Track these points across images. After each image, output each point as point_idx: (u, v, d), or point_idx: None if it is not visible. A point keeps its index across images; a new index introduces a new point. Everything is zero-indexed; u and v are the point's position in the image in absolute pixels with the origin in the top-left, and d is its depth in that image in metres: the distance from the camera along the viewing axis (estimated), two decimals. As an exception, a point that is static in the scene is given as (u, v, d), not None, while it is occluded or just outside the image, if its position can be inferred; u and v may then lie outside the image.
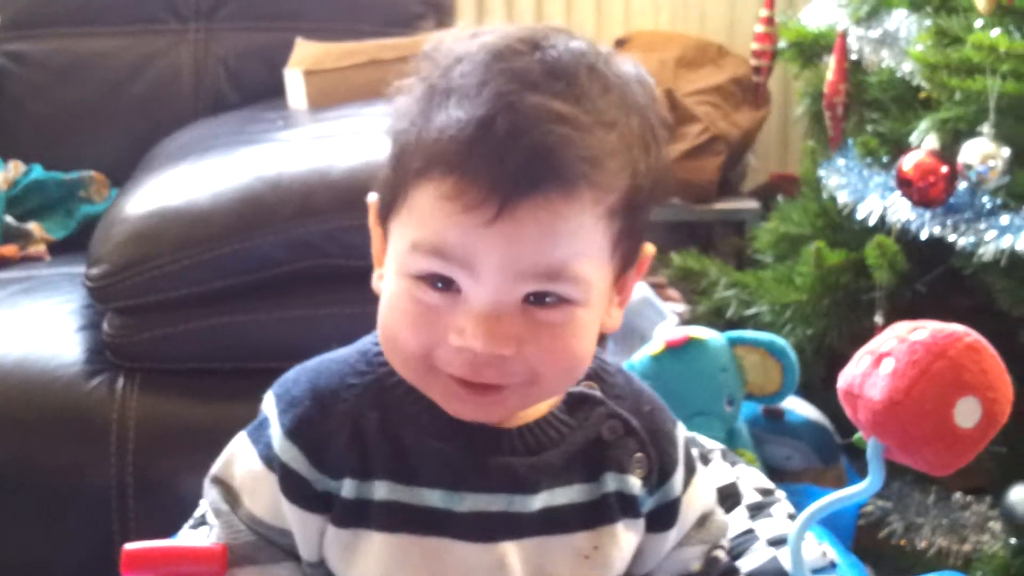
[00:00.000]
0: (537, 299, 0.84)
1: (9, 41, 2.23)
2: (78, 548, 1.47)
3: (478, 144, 0.80)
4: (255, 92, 2.17)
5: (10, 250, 1.92)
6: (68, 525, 1.49)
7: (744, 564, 1.01)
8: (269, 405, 0.93)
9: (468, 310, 0.83)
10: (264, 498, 0.92)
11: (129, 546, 0.88)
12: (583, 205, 0.82)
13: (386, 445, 0.90)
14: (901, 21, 1.75)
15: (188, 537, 1.04)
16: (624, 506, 0.94)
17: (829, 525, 1.31)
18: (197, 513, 1.07)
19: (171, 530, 1.07)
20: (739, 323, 1.90)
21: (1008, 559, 1.60)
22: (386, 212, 0.88)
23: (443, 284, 0.84)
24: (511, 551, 0.91)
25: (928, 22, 1.70)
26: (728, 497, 1.06)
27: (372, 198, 0.91)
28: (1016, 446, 1.67)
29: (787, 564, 0.97)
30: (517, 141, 0.80)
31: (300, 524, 0.91)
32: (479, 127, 0.81)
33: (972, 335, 0.84)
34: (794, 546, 0.89)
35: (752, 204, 2.64)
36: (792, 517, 1.05)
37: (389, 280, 0.87)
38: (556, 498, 0.92)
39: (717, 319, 1.96)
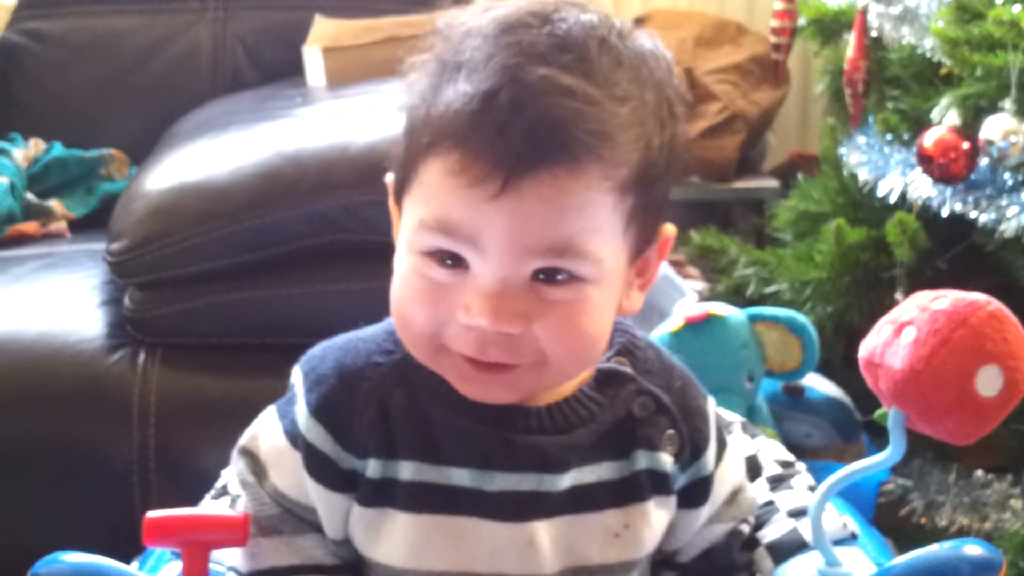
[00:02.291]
0: (547, 276, 0.83)
1: (28, 20, 2.24)
2: (100, 522, 1.47)
3: (482, 117, 0.80)
4: (274, 70, 2.17)
5: (31, 227, 1.92)
6: (90, 499, 1.49)
7: (765, 535, 1.01)
8: (297, 381, 0.93)
9: (475, 287, 0.82)
10: (288, 474, 0.92)
11: (151, 514, 0.89)
12: (590, 180, 0.81)
13: (412, 424, 0.89)
14: (921, -2, 1.74)
15: (210, 506, 1.04)
16: (655, 484, 0.93)
17: (850, 502, 1.31)
18: (219, 483, 1.08)
19: (192, 503, 1.07)
20: (759, 301, 1.90)
21: (1029, 537, 1.59)
22: (399, 190, 0.88)
23: (452, 261, 0.83)
24: (541, 530, 0.90)
25: (949, -2, 1.69)
26: (749, 469, 1.05)
27: (389, 178, 0.91)
28: (1037, 424, 1.67)
29: (808, 535, 0.96)
30: (521, 114, 0.79)
31: (324, 502, 0.91)
32: (483, 100, 0.80)
33: (994, 304, 0.83)
34: (815, 517, 0.89)
35: (771, 183, 2.63)
36: (812, 489, 1.04)
37: (400, 258, 0.87)
38: (585, 476, 0.91)
39: (737, 297, 1.95)
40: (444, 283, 0.84)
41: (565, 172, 0.80)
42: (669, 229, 0.91)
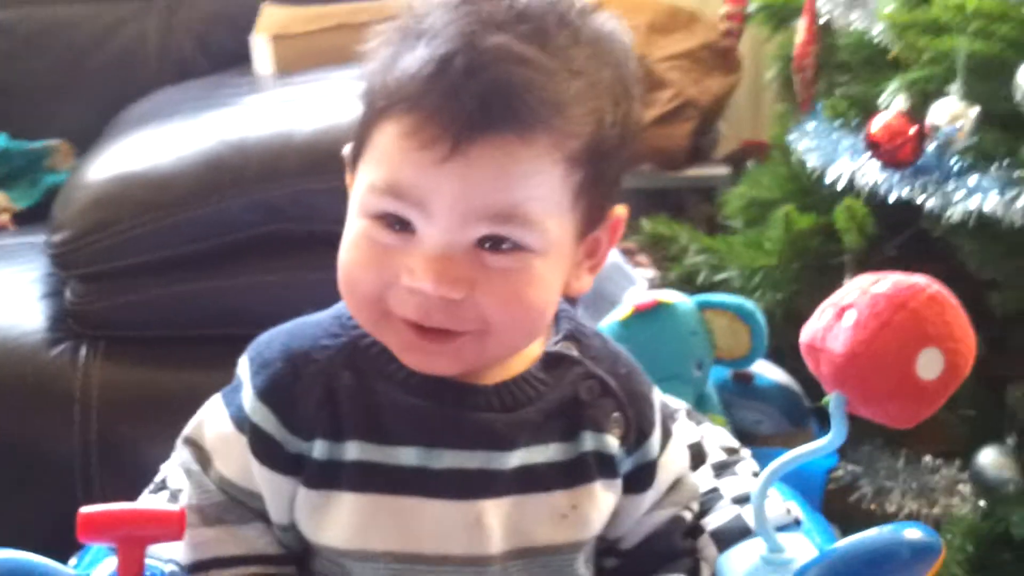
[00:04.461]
0: (492, 244, 0.83)
1: (-27, 10, 2.21)
2: (42, 517, 1.44)
3: (435, 81, 0.81)
4: (222, 59, 2.15)
5: (-26, 220, 1.90)
6: (31, 495, 1.48)
7: (709, 522, 1.01)
8: (243, 368, 0.93)
9: (420, 250, 0.83)
10: (234, 460, 0.92)
11: (85, 510, 0.87)
12: (540, 149, 0.82)
13: (359, 405, 0.89)
14: (871, -18, 1.74)
15: (148, 501, 1.03)
16: (602, 465, 0.94)
17: (798, 489, 1.31)
18: (158, 478, 1.07)
19: (135, 498, 1.06)
20: (709, 288, 1.89)
21: (977, 522, 1.60)
22: (355, 156, 0.89)
23: (400, 225, 0.84)
24: (489, 509, 0.90)
25: (897, -18, 1.69)
26: (693, 456, 1.05)
27: (346, 150, 0.91)
28: (985, 409, 1.68)
29: (751, 522, 0.96)
30: (474, 79, 0.80)
31: (270, 486, 0.91)
32: (438, 64, 0.81)
33: (934, 287, 0.83)
34: (757, 503, 0.89)
35: (723, 170, 2.63)
36: (757, 475, 1.04)
37: (350, 222, 0.88)
38: (533, 456, 0.91)
39: (688, 285, 1.95)
40: (390, 246, 0.85)
41: (515, 138, 0.81)
42: (620, 210, 0.92)
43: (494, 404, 0.91)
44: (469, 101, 0.80)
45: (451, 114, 0.80)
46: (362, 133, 0.88)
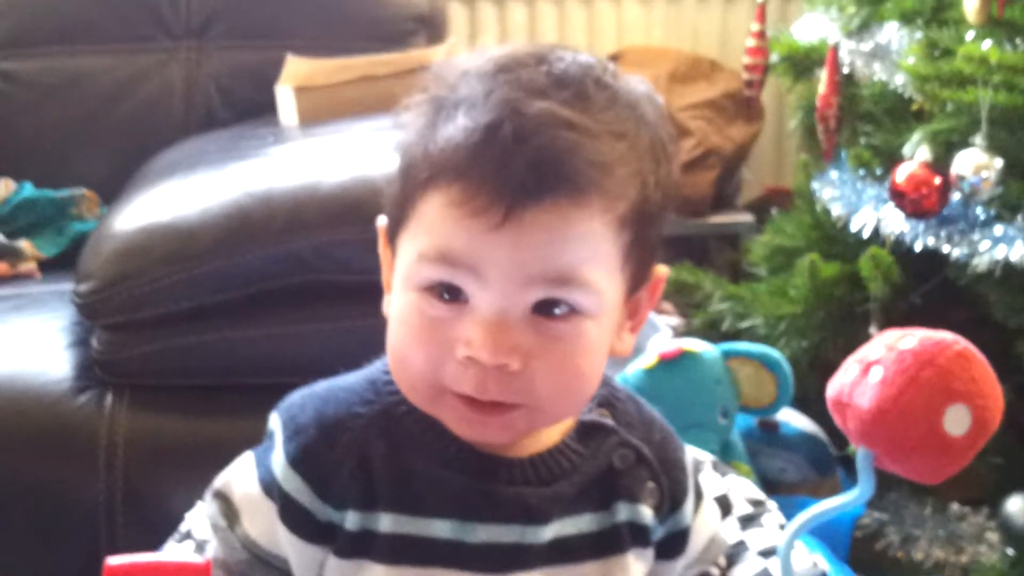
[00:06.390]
0: (546, 309, 0.82)
1: (-1, 60, 2.23)
2: (66, 566, 1.46)
3: (484, 149, 0.80)
4: (246, 110, 2.16)
5: (1, 268, 1.91)
6: (56, 542, 1.47)
7: (735, 575, 1.00)
8: (276, 428, 0.92)
9: (475, 318, 0.82)
10: (261, 523, 0.91)
11: (111, 561, 0.87)
12: (592, 211, 0.81)
13: (393, 476, 0.88)
14: (892, 34, 1.75)
15: (173, 551, 1.03)
16: (635, 536, 0.93)
17: (825, 537, 1.30)
18: (183, 527, 1.07)
19: (159, 546, 1.06)
20: (734, 336, 1.90)
21: (1005, 570, 1.59)
22: (394, 229, 0.88)
23: (450, 295, 0.83)
24: None
25: (919, 34, 1.70)
26: (719, 508, 1.04)
27: (381, 222, 0.91)
28: (1013, 457, 1.67)
29: (778, 575, 0.96)
30: (523, 145, 0.80)
31: (298, 554, 0.90)
32: (485, 132, 0.80)
33: (961, 343, 0.83)
34: (784, 556, 0.88)
35: (747, 218, 2.63)
36: (783, 527, 1.04)
37: (397, 297, 0.86)
38: (566, 528, 0.90)
39: (712, 332, 1.95)
40: (442, 318, 0.83)
41: (568, 202, 0.80)
42: (661, 270, 0.91)
43: (529, 478, 0.89)
44: (520, 168, 0.79)
45: (502, 181, 0.80)
46: (403, 206, 0.86)
